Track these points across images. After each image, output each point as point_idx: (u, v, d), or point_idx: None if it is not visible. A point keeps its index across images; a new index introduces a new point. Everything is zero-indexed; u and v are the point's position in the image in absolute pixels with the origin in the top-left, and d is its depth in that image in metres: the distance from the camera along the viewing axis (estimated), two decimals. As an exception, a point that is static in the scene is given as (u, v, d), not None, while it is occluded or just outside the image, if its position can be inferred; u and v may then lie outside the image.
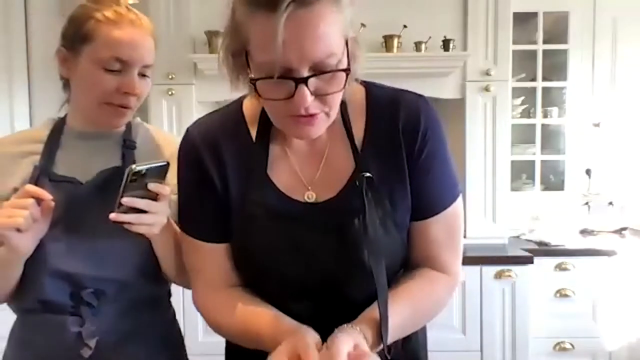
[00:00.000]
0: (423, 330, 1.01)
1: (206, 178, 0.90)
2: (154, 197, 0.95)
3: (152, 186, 0.95)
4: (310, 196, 0.87)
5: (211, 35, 2.54)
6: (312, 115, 0.78)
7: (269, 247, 0.86)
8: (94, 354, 1.04)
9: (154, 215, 0.96)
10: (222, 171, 0.89)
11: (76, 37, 1.04)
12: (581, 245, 2.69)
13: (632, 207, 3.00)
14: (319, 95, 0.77)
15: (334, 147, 0.88)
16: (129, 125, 1.15)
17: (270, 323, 0.84)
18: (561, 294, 2.55)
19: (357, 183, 0.84)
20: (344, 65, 0.77)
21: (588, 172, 3.00)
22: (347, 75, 0.77)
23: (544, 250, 2.60)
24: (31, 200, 0.94)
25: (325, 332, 0.79)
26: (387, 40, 2.56)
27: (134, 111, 1.10)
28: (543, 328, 2.53)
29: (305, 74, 0.74)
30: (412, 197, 0.87)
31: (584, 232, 2.94)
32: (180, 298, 2.39)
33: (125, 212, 0.93)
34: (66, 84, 1.11)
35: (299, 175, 0.88)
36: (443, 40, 2.59)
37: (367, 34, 2.53)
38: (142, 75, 1.07)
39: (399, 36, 2.56)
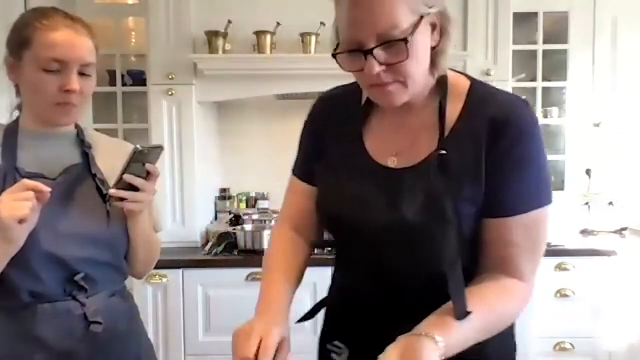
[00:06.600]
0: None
1: (313, 129, 1.08)
2: (145, 177, 1.10)
3: (149, 166, 1.09)
4: (392, 161, 0.96)
5: (211, 35, 2.53)
6: (385, 84, 0.87)
7: (337, 196, 0.97)
8: (91, 338, 1.11)
9: (146, 194, 1.11)
10: (327, 126, 1.04)
11: (17, 43, 1.12)
12: (581, 245, 2.69)
13: (632, 207, 3.00)
14: (389, 65, 0.85)
15: (425, 124, 0.94)
16: (78, 128, 1.24)
17: (268, 289, 0.97)
18: (561, 294, 2.55)
19: (432, 159, 0.90)
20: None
21: (588, 172, 2.99)
22: (406, 44, 0.83)
23: (544, 250, 2.59)
24: (32, 193, 0.99)
25: (374, 279, 0.94)
26: (387, 40, 2.55)
27: (80, 108, 1.16)
28: (543, 328, 2.53)
29: (371, 45, 0.83)
30: (489, 194, 0.88)
31: (584, 232, 2.94)
32: (180, 298, 2.39)
33: (123, 189, 1.07)
34: (17, 89, 1.18)
35: (388, 142, 0.97)
36: (443, 40, 2.58)
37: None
38: (83, 73, 1.13)
39: (399, 36, 2.55)
